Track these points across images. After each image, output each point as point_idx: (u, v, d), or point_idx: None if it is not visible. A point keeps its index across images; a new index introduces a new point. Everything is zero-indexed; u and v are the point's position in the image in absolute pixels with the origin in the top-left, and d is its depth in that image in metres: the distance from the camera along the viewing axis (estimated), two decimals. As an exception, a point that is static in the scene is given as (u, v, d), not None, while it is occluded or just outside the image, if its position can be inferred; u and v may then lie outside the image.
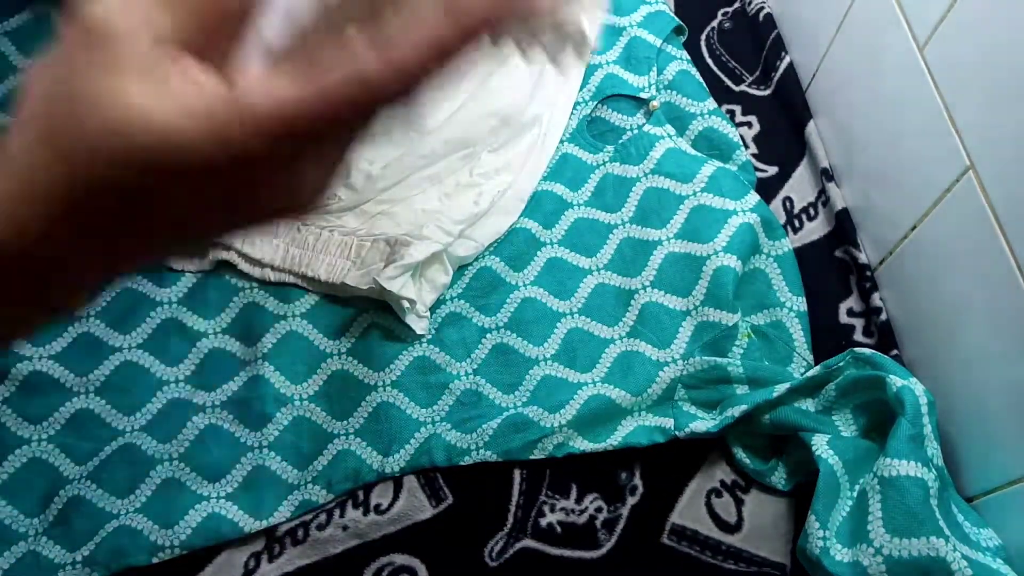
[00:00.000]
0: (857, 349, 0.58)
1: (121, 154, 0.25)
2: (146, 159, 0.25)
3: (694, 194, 0.69)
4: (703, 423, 0.60)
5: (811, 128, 0.75)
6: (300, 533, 0.60)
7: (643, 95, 0.75)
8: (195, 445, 0.62)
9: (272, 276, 0.68)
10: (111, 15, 0.26)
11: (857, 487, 0.54)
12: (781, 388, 0.59)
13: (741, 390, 0.62)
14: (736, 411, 0.59)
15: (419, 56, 0.25)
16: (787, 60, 0.78)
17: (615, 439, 0.61)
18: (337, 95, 0.24)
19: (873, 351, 0.58)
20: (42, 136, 0.27)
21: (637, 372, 0.64)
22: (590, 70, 0.77)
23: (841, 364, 0.59)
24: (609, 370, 0.64)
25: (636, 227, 0.70)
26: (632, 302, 0.67)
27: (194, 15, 0.26)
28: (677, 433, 0.60)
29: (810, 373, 0.60)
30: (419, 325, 0.66)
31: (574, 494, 0.61)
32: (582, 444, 0.61)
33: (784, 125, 0.77)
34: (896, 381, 0.55)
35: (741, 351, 0.63)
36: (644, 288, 0.67)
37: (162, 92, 0.25)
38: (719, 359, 0.62)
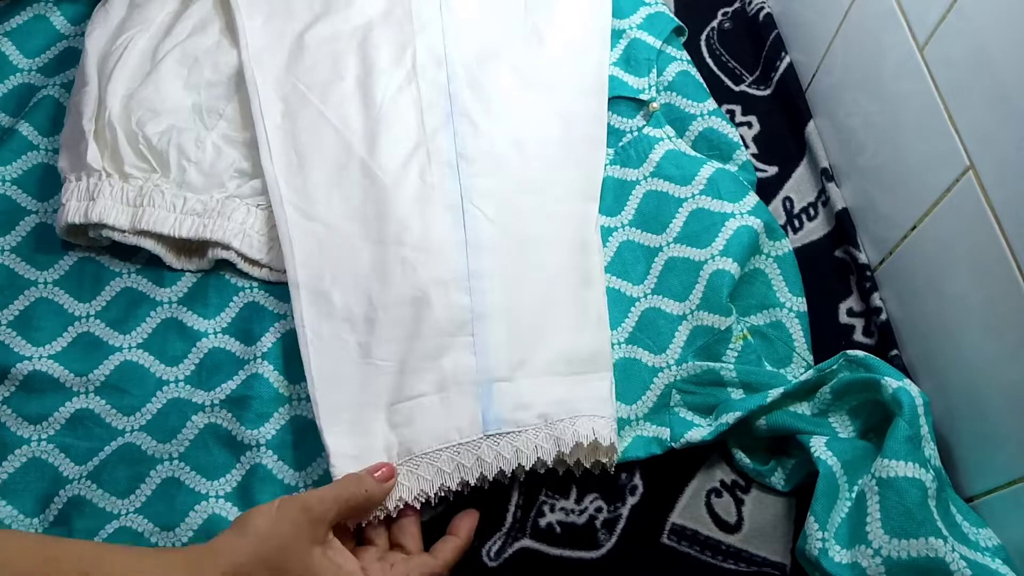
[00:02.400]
0: (850, 352, 0.58)
1: None
2: None
3: (692, 197, 0.69)
4: (698, 431, 0.60)
5: (811, 128, 0.75)
6: (299, 533, 0.60)
7: (643, 96, 0.75)
8: (195, 445, 0.62)
9: (272, 276, 0.68)
10: (317, 510, 0.52)
11: (856, 488, 0.54)
12: (775, 393, 0.59)
13: (736, 394, 0.61)
14: (730, 418, 0.59)
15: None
16: (787, 60, 0.78)
17: None
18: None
19: (866, 353, 0.58)
20: (260, 560, 0.50)
21: (634, 380, 0.64)
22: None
23: (834, 367, 0.58)
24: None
25: (636, 231, 0.70)
26: (632, 309, 0.67)
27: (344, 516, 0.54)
28: (673, 444, 0.60)
29: (803, 377, 0.59)
30: None
31: (574, 494, 0.61)
32: None
33: (784, 125, 0.77)
34: (891, 383, 0.55)
35: (736, 354, 0.63)
36: (645, 296, 0.67)
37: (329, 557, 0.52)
38: (712, 363, 0.62)
